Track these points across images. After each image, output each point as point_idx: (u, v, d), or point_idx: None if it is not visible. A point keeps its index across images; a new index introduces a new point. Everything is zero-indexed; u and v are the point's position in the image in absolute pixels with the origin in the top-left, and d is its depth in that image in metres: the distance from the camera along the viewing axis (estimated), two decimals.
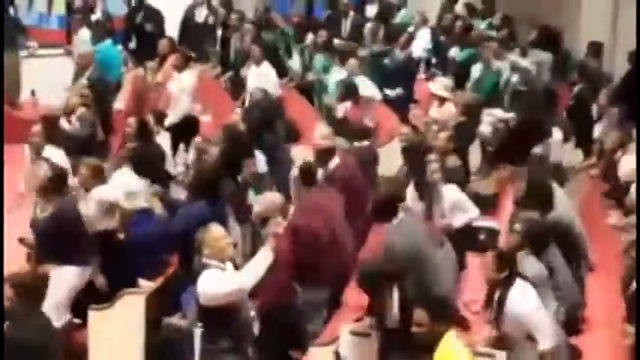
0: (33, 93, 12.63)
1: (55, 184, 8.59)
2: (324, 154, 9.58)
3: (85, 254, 8.58)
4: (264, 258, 7.36)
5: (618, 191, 10.09)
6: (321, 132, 9.91)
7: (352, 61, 13.44)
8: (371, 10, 17.35)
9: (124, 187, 9.31)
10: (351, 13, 16.58)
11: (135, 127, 10.63)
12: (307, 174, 9.05)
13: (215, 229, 7.36)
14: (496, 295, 7.22)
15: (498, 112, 12.72)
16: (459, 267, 9.04)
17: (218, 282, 7.14)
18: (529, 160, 10.35)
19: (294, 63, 14.89)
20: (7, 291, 6.38)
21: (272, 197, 8.63)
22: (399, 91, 13.98)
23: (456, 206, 9.36)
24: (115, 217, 9.05)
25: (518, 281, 7.19)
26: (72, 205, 8.63)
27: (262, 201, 8.68)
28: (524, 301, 7.11)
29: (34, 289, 6.49)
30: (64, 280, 8.29)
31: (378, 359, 7.56)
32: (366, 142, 10.73)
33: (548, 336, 7.09)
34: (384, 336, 7.56)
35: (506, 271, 7.23)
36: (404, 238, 7.92)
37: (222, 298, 7.15)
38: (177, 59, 13.03)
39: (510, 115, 12.67)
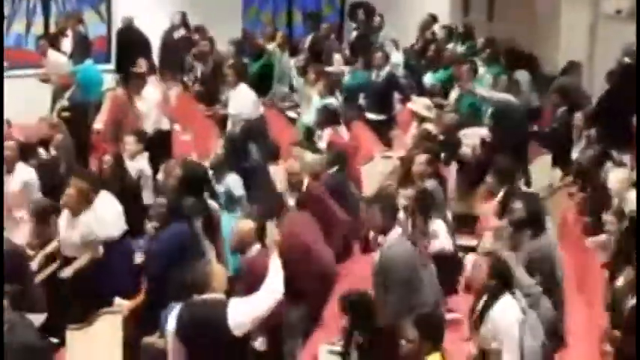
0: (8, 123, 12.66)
1: None
2: (294, 178, 9.70)
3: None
4: (277, 268, 7.14)
5: (599, 207, 10.12)
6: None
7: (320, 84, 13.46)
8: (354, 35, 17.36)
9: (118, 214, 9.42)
10: (332, 37, 16.62)
11: (111, 164, 10.64)
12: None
13: (215, 264, 7.21)
14: (481, 302, 7.18)
15: (475, 131, 12.69)
16: (450, 290, 9.06)
17: (256, 305, 6.78)
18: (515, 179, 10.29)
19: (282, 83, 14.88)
20: None
21: (245, 225, 8.31)
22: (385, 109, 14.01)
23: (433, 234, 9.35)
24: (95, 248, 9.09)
25: (507, 296, 7.13)
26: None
27: (236, 231, 8.34)
28: (506, 315, 7.05)
29: None
30: None
31: None
32: (334, 168, 10.70)
33: (514, 355, 7.05)
34: (362, 354, 7.56)
35: (496, 280, 7.16)
36: (401, 252, 7.91)
37: (263, 317, 6.85)
38: (133, 82, 13.03)
39: (486, 132, 12.66)
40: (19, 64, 15.74)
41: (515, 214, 8.30)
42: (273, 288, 6.84)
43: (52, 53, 14.47)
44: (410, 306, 7.68)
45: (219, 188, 10.34)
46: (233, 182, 10.47)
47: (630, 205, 9.48)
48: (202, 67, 15.10)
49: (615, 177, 9.81)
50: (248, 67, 14.46)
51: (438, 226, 9.28)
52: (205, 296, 6.76)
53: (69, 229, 9.13)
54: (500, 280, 7.15)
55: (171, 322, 6.92)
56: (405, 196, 9.41)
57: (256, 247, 8.17)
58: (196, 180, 9.73)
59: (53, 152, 11.28)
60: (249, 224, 8.29)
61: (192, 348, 6.75)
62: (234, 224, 8.62)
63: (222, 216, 9.93)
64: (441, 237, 9.23)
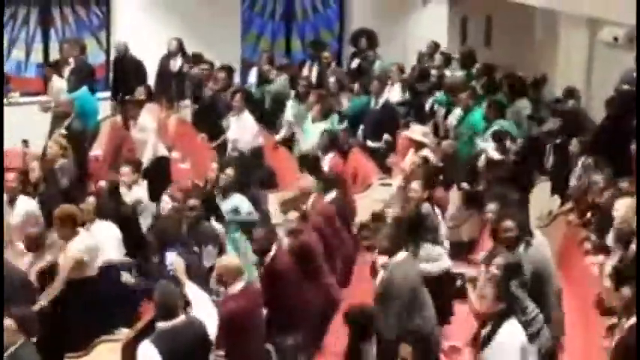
0: (26, 143, 12.71)
1: None
2: (302, 198, 9.94)
3: None
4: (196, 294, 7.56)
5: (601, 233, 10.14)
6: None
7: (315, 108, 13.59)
8: (355, 62, 17.38)
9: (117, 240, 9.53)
10: (333, 65, 16.64)
11: (106, 191, 10.71)
12: None
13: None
14: (487, 327, 7.19)
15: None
16: (445, 314, 9.14)
17: (213, 320, 7.45)
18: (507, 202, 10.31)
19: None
20: None
21: (228, 261, 8.23)
22: (385, 139, 14.03)
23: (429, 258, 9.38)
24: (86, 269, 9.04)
25: (513, 320, 7.16)
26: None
27: (219, 265, 8.21)
28: (511, 339, 7.05)
29: None
30: None
31: None
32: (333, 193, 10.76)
33: None
34: None
35: (503, 304, 7.19)
36: (404, 275, 8.12)
37: None
38: (129, 109, 13.05)
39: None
40: (19, 92, 15.83)
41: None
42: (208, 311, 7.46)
43: (56, 79, 14.52)
44: (409, 326, 7.78)
45: (226, 206, 10.38)
46: (240, 200, 10.53)
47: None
48: (204, 92, 15.06)
49: (622, 204, 9.76)
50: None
51: (433, 249, 9.33)
52: (176, 322, 6.93)
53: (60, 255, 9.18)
54: (507, 304, 7.17)
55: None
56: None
57: (239, 285, 7.97)
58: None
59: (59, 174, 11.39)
60: (233, 261, 8.19)
61: None
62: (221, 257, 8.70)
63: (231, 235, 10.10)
64: (441, 258, 9.28)
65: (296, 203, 10.01)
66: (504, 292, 7.28)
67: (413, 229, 9.25)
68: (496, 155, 12.16)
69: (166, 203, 10.30)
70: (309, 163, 12.01)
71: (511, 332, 7.09)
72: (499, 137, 12.28)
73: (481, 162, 12.31)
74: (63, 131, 12.62)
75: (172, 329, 6.89)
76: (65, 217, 9.14)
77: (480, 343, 7.26)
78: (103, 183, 10.96)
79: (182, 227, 9.48)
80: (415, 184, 10.14)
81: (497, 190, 10.14)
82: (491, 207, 9.57)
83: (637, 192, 9.72)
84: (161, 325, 6.92)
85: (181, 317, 6.97)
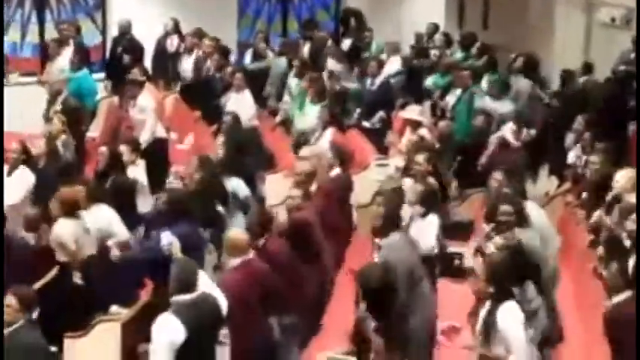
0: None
1: None
2: (305, 178, 9.88)
3: None
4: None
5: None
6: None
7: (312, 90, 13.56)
8: (347, 44, 17.34)
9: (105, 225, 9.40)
10: (329, 44, 16.60)
11: (107, 159, 10.65)
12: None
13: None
14: (484, 309, 7.16)
15: None
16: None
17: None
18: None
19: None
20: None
21: (235, 235, 8.26)
22: (377, 117, 14.04)
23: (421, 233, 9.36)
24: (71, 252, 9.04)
25: (511, 301, 7.08)
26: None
27: (228, 237, 8.28)
28: (511, 321, 7.03)
29: None
30: None
31: None
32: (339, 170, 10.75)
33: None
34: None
35: (494, 286, 7.11)
36: (400, 256, 8.05)
37: None
38: (129, 89, 13.03)
39: None
40: (14, 72, 15.78)
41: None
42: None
43: (61, 58, 14.45)
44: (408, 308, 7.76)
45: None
46: (237, 183, 10.52)
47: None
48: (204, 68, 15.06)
49: (623, 175, 9.77)
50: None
51: (431, 223, 9.33)
52: (193, 295, 6.94)
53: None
54: (500, 287, 7.11)
55: (169, 334, 6.86)
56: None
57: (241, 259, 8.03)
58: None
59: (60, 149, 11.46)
60: (240, 236, 8.22)
61: (199, 347, 6.90)
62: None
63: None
64: (429, 236, 9.24)
65: (304, 183, 9.92)
66: (502, 274, 7.19)
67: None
68: (512, 140, 12.13)
69: (175, 183, 10.30)
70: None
71: (508, 314, 7.03)
72: (519, 121, 12.23)
73: (493, 142, 12.27)
74: (58, 108, 12.59)
75: (191, 302, 6.91)
76: (62, 200, 9.16)
77: (476, 319, 7.22)
78: (104, 149, 10.90)
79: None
80: (419, 157, 10.13)
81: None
82: (498, 175, 9.59)
83: (637, 185, 9.73)
84: (180, 297, 6.91)
85: (198, 292, 7.00)
